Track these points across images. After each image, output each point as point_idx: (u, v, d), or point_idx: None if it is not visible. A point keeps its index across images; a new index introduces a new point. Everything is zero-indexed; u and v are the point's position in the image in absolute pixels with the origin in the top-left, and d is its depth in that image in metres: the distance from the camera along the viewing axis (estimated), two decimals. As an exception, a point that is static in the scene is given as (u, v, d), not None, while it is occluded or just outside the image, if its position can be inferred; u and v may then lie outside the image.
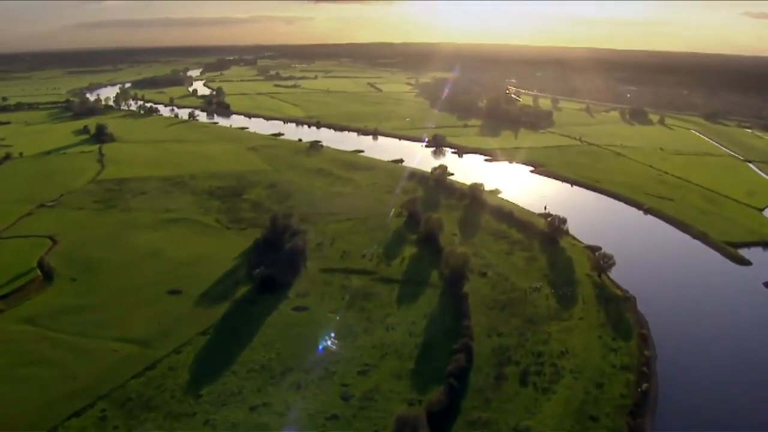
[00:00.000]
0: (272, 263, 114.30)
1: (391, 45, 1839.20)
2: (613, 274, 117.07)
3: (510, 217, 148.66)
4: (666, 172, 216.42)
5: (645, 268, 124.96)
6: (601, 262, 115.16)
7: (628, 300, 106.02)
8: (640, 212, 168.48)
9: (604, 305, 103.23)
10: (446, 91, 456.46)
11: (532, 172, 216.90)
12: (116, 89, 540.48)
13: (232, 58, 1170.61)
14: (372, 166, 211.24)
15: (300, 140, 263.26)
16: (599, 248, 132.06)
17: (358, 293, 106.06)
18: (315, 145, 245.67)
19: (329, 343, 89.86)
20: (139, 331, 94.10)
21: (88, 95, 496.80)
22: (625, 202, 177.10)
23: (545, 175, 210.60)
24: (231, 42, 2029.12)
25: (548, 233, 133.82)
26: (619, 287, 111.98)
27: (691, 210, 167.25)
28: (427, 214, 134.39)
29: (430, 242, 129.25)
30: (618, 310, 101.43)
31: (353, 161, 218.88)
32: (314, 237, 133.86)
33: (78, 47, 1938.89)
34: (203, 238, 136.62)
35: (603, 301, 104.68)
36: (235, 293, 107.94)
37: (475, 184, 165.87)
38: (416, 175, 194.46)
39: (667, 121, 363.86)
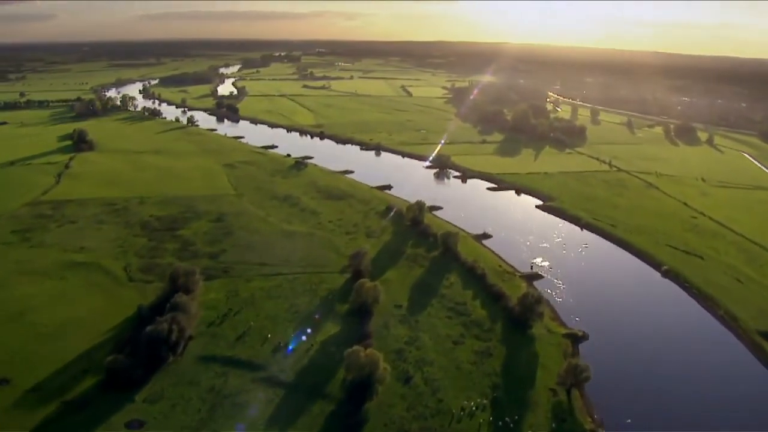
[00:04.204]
0: (135, 348, 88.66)
1: (448, 44, 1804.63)
2: (594, 383, 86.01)
3: (481, 280, 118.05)
4: (702, 213, 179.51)
5: (642, 371, 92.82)
6: (572, 374, 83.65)
7: (598, 441, 74.76)
8: (658, 274, 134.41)
9: (558, 451, 72.44)
10: (470, 99, 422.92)
11: (538, 207, 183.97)
12: (141, 86, 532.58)
13: (279, 54, 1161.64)
14: (350, 193, 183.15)
15: (288, 155, 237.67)
16: (584, 336, 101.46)
17: (223, 403, 78.75)
18: (299, 164, 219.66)
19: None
20: None
21: (108, 92, 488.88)
22: (641, 258, 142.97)
23: (552, 213, 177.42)
24: (288, 36, 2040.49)
25: (518, 314, 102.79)
26: (590, 414, 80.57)
27: (723, 275, 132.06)
28: (361, 281, 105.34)
29: (360, 318, 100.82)
30: (576, 464, 70.52)
31: (332, 186, 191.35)
32: (223, 301, 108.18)
33: (133, 39, 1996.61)
34: (93, 294, 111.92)
35: (559, 443, 73.83)
36: (75, 388, 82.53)
37: (449, 233, 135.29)
38: (393, 209, 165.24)
39: (717, 140, 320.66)
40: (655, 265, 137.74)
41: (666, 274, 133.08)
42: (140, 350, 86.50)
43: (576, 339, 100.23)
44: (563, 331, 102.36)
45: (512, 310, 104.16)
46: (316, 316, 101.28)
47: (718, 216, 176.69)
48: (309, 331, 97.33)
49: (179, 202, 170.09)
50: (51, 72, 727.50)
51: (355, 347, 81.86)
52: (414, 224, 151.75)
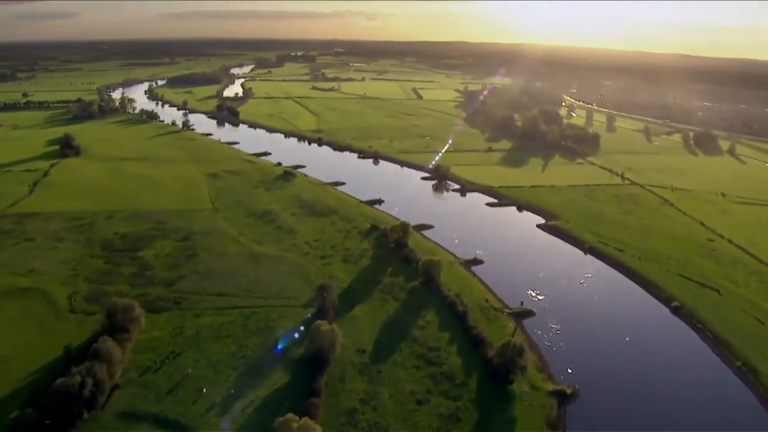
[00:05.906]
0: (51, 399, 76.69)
1: (464, 44, 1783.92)
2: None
3: (461, 320, 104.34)
4: (720, 235, 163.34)
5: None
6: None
7: None
8: (667, 309, 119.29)
9: None
10: (476, 104, 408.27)
11: (539, 226, 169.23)
12: (148, 86, 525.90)
13: (295, 54, 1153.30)
14: (335, 209, 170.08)
15: (279, 164, 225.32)
16: (574, 394, 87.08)
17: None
18: (288, 174, 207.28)
19: None
20: None
21: (114, 93, 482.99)
22: (650, 291, 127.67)
23: (554, 234, 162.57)
24: (308, 36, 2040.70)
25: (497, 365, 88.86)
26: (571, 505, 66.57)
27: (742, 314, 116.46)
28: (317, 323, 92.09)
29: (314, 367, 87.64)
30: None
31: (318, 200, 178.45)
32: (166, 341, 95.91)
33: (153, 37, 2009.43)
34: (26, 328, 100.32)
35: None
36: (-30, 453, 71.01)
37: (431, 260, 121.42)
38: (379, 229, 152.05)
39: (740, 149, 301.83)
40: (665, 299, 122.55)
41: (676, 311, 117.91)
42: (51, 405, 74.64)
43: (564, 398, 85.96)
44: (550, 387, 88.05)
45: (491, 361, 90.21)
46: (262, 366, 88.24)
47: (739, 239, 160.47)
48: (252, 383, 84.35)
49: (150, 217, 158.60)
50: (62, 71, 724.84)
51: (288, 416, 68.91)
52: (398, 247, 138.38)
